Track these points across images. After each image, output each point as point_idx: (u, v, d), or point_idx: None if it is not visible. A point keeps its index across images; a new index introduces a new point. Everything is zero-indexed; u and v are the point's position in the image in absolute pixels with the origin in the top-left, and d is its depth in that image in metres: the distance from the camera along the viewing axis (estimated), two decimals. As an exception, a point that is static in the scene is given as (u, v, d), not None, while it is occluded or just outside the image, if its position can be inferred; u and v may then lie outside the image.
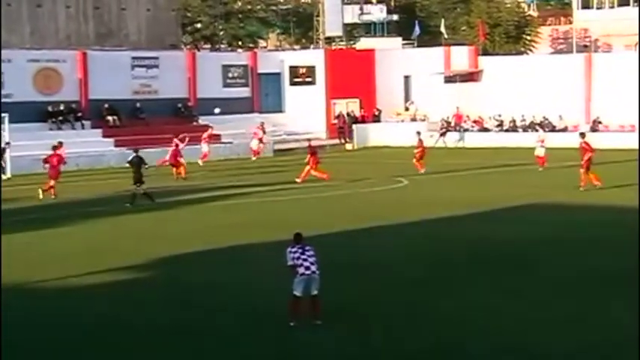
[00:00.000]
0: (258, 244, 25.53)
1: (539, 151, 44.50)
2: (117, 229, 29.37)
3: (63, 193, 37.98)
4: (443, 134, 61.47)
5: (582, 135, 37.91)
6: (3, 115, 47.56)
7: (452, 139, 61.37)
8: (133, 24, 65.84)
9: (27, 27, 61.21)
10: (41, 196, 36.70)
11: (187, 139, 45.94)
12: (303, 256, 16.68)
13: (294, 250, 16.74)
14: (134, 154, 35.55)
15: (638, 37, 68.98)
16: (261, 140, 56.04)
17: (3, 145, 45.98)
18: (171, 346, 15.75)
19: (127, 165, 36.01)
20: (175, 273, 22.27)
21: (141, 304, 19.04)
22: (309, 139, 47.58)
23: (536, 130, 53.26)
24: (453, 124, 63.43)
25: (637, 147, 48.47)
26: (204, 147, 51.27)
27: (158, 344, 15.81)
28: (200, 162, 49.49)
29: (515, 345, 15.10)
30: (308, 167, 40.74)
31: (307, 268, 16.59)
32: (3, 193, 35.90)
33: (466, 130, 62.63)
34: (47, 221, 30.96)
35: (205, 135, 52.13)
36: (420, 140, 44.62)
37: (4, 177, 45.36)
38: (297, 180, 40.34)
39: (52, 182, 37.27)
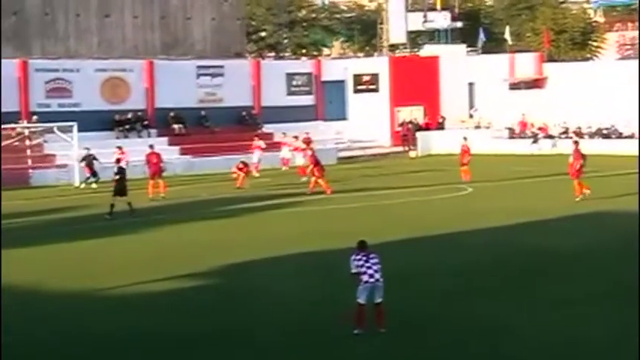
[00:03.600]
0: (318, 252, 25.49)
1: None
2: (180, 237, 29.49)
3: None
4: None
5: (576, 143, 37.27)
6: (72, 123, 48.11)
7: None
8: (199, 33, 66.05)
9: (95, 37, 61.77)
10: (157, 196, 38.68)
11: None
12: (367, 264, 16.56)
13: (358, 257, 16.64)
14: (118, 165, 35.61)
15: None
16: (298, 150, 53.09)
17: (88, 153, 46.37)
18: (228, 354, 15.73)
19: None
20: (234, 281, 22.27)
21: (197, 312, 19.02)
22: (312, 149, 46.00)
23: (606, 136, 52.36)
24: (518, 131, 62.95)
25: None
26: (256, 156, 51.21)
27: (214, 352, 15.76)
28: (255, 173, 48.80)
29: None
30: (314, 178, 40.43)
31: (371, 275, 16.47)
32: (71, 201, 36.39)
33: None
34: (110, 229, 31.22)
35: (259, 144, 52.07)
36: (466, 146, 44.10)
37: (75, 185, 46.06)
38: (307, 191, 40.06)
39: (152, 182, 39.22)
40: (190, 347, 16.08)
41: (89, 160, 45.65)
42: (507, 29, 73.04)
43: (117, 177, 34.48)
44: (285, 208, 36.18)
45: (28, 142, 51.37)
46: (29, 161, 50.72)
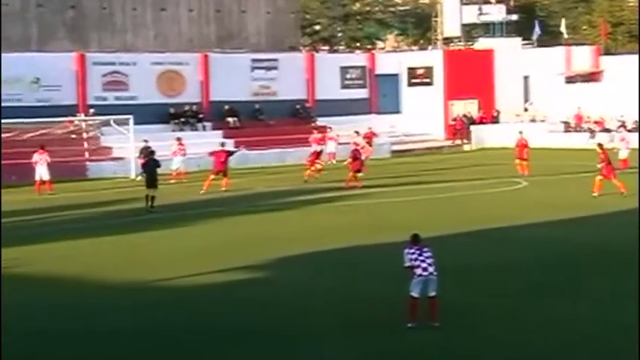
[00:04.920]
0: (370, 245, 25.43)
1: (623, 154, 43.41)
2: (234, 230, 29.58)
3: (182, 195, 38.98)
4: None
5: (600, 145, 36.57)
6: (128, 116, 48.39)
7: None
8: (253, 26, 66.37)
9: (151, 30, 62.29)
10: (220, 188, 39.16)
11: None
12: (421, 257, 16.52)
13: (411, 251, 16.61)
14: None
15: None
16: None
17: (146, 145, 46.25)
18: (271, 347, 15.74)
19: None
20: (283, 275, 22.26)
21: (240, 305, 19.03)
22: (357, 144, 46.44)
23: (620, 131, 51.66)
24: (573, 125, 62.37)
25: None
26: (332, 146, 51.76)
27: (257, 346, 15.73)
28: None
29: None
30: (351, 173, 40.51)
31: (425, 269, 16.42)
32: (126, 194, 36.71)
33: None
34: (165, 222, 31.47)
35: (318, 137, 52.01)
36: (522, 139, 43.66)
37: (131, 177, 46.38)
38: (344, 185, 40.07)
39: (212, 177, 39.71)
40: (241, 342, 16.08)
41: (146, 152, 45.88)
42: (563, 22, 72.39)
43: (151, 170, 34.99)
44: (337, 201, 36.18)
45: (85, 135, 51.66)
46: (87, 153, 51.11)
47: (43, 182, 41.27)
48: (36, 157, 41.66)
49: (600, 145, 36.43)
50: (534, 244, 25.38)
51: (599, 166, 35.22)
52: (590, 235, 26.58)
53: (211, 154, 41.41)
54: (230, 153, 41.40)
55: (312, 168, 43.70)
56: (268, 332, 16.63)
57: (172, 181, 44.08)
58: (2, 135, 45.70)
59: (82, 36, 59.04)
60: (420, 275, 16.37)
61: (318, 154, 44.73)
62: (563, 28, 71.10)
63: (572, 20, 79.89)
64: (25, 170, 42.75)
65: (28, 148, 43.84)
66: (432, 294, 16.47)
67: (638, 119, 54.65)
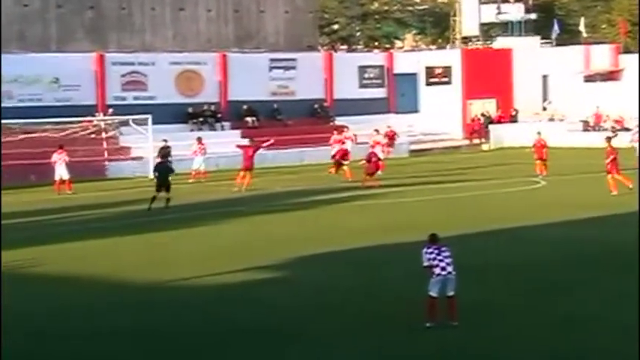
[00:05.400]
0: (388, 245, 25.48)
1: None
2: (249, 230, 29.77)
3: (200, 194, 39.35)
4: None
5: (608, 139, 36.72)
6: (146, 116, 48.97)
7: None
8: (271, 26, 66.70)
9: (170, 30, 62.69)
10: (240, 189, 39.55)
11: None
12: (439, 257, 16.60)
13: (429, 250, 16.67)
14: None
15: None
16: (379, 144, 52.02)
17: (165, 145, 46.98)
18: (287, 346, 15.75)
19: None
20: (302, 275, 22.34)
21: (256, 305, 19.07)
22: (376, 141, 47.68)
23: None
24: (592, 124, 62.34)
25: None
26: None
27: (271, 346, 15.74)
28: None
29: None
30: (364, 175, 41.07)
31: (443, 268, 16.49)
32: (146, 194, 36.85)
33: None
34: (180, 221, 31.69)
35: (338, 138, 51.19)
36: (540, 140, 43.65)
37: (150, 177, 46.45)
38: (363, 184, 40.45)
39: (242, 173, 40.22)
40: (257, 341, 16.13)
41: (165, 152, 46.01)
42: (582, 21, 72.40)
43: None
44: (355, 200, 36.40)
45: (104, 135, 52.21)
46: (106, 153, 51.70)
47: (62, 182, 41.83)
48: (55, 156, 42.18)
49: (609, 140, 36.56)
50: (552, 244, 25.36)
51: (607, 161, 35.33)
52: (609, 234, 26.45)
53: (240, 147, 42.41)
54: (257, 147, 41.90)
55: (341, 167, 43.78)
56: (285, 331, 16.67)
57: (191, 181, 44.55)
58: (21, 136, 46.78)
59: (101, 36, 59.59)
60: (439, 275, 16.40)
61: (344, 154, 44.63)
62: (582, 27, 71.19)
63: (591, 19, 79.93)
64: (45, 170, 43.41)
65: (48, 147, 44.23)
66: (451, 293, 16.49)
67: (638, 119, 54.39)
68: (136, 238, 28.52)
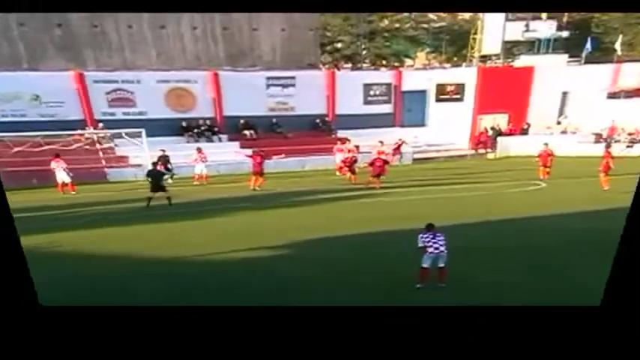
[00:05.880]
0: (391, 231, 30.97)
1: None
2: (262, 220, 34.96)
3: (207, 193, 44.86)
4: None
5: (608, 146, 42.33)
6: (140, 130, 54.14)
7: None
8: (267, 44, 72.15)
9: (152, 48, 67.64)
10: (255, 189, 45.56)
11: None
12: (434, 240, 20.65)
13: (425, 235, 20.80)
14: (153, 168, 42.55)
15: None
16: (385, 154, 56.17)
17: (164, 154, 52.63)
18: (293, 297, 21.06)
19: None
20: (309, 252, 27.63)
21: (268, 275, 24.33)
22: (380, 152, 52.94)
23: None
24: (605, 137, 68.57)
25: None
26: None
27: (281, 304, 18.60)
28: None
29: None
30: (370, 177, 47.05)
31: (436, 248, 20.50)
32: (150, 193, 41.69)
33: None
34: (196, 214, 36.90)
35: (342, 147, 56.88)
36: (546, 150, 49.65)
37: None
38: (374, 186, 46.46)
39: (254, 178, 46.36)
40: (268, 298, 21.35)
41: (164, 159, 51.82)
42: (620, 38, 78.38)
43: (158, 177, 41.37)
44: (359, 199, 41.68)
45: (98, 146, 57.12)
46: (103, 161, 56.53)
47: (65, 184, 47.19)
48: (53, 164, 47.61)
49: (608, 146, 42.70)
50: (546, 231, 30.34)
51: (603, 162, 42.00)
52: (603, 225, 29.53)
53: (249, 156, 48.16)
54: (263, 157, 47.72)
55: (352, 172, 50.27)
56: (293, 293, 21.84)
57: (196, 183, 50.83)
58: (15, 149, 50.95)
59: (77, 54, 64.18)
60: (431, 252, 20.51)
61: (352, 161, 51.28)
62: (617, 45, 77.45)
63: (631, 37, 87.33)
64: (45, 175, 48.48)
65: (46, 156, 49.24)
66: (441, 265, 20.68)
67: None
68: (154, 227, 33.16)
